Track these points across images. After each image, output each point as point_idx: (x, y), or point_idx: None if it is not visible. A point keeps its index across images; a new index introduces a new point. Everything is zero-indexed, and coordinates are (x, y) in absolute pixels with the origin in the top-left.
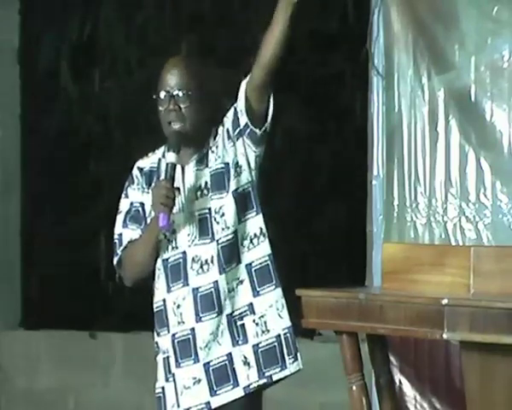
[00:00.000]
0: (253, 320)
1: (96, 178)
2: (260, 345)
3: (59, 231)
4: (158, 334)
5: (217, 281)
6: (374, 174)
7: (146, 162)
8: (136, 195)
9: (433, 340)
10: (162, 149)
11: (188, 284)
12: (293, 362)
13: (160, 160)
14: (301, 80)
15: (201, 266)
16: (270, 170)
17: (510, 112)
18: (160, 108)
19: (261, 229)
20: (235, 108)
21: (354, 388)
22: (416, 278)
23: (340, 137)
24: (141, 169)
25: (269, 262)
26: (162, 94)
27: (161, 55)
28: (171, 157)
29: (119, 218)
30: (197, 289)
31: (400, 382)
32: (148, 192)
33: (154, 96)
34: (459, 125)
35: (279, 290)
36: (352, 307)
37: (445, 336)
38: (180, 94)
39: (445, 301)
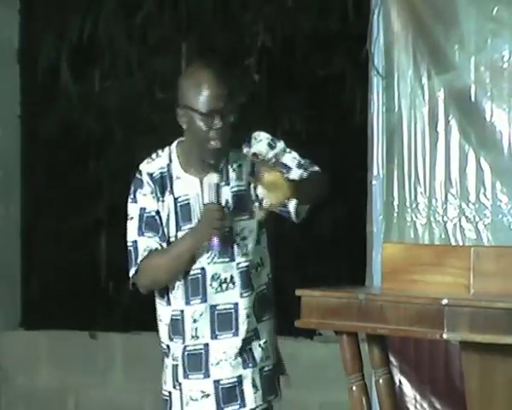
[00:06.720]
0: (259, 345)
1: (96, 179)
2: (264, 369)
3: (59, 231)
4: (171, 339)
5: (237, 303)
6: (374, 174)
7: (153, 167)
8: (148, 202)
9: (433, 340)
10: (167, 151)
11: (206, 301)
12: (280, 392)
13: (168, 165)
14: (301, 80)
15: (220, 285)
16: None
17: (510, 112)
18: (201, 124)
19: (261, 258)
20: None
21: (354, 388)
22: (416, 278)
23: (340, 137)
24: (150, 175)
25: (266, 291)
26: (207, 111)
27: (161, 55)
28: (214, 178)
29: (133, 224)
30: (215, 306)
31: (400, 382)
32: (163, 200)
33: (200, 112)
34: (459, 125)
35: (273, 322)
36: (352, 307)
37: (445, 336)
38: (223, 112)
39: (445, 301)
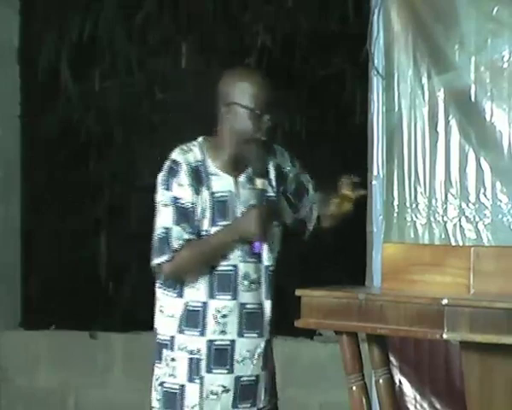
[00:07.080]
0: (270, 349)
1: (97, 178)
2: (270, 373)
3: (59, 231)
4: (181, 331)
5: (262, 304)
6: (374, 174)
7: (191, 158)
8: (184, 192)
9: (433, 340)
10: (197, 145)
11: (236, 298)
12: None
13: (203, 159)
14: (301, 80)
15: (250, 284)
16: None
17: (510, 112)
18: (249, 122)
19: None
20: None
21: (354, 388)
22: (415, 278)
23: (340, 137)
24: (189, 164)
25: None
26: (260, 109)
27: (161, 55)
28: (261, 183)
29: (167, 211)
30: (244, 305)
31: (400, 382)
32: (200, 193)
33: (251, 108)
34: (459, 125)
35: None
36: (352, 307)
37: (445, 336)
38: (272, 113)
39: (445, 301)
